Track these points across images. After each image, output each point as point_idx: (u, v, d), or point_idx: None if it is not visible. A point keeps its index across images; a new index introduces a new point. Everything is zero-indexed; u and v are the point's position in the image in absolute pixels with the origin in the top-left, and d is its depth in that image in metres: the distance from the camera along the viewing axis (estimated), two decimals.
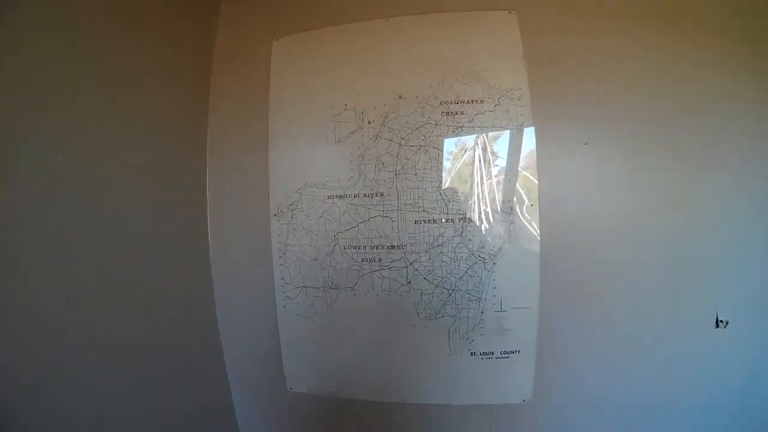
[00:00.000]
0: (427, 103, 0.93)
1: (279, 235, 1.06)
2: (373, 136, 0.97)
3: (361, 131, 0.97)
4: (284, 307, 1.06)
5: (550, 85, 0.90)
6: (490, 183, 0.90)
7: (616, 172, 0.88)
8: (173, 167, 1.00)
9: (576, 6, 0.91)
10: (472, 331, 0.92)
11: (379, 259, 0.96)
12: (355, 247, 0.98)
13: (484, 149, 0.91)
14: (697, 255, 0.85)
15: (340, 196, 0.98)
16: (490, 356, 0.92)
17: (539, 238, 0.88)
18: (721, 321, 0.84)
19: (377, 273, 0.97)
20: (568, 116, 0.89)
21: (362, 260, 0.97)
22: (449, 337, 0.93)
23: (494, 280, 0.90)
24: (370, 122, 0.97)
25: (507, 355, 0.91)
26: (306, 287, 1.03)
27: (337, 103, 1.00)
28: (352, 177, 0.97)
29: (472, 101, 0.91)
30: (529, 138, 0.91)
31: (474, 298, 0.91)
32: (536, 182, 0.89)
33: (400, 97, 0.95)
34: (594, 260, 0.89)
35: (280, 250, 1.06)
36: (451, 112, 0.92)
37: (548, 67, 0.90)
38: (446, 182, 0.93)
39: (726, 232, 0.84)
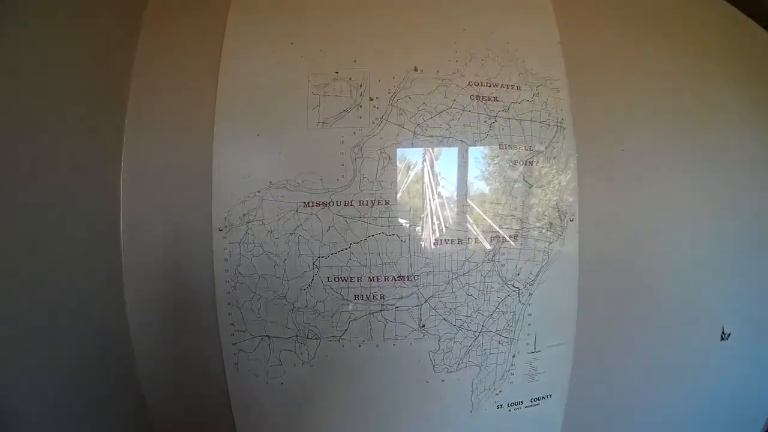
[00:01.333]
0: (452, 82, 0.48)
1: (226, 260, 0.56)
2: (377, 118, 0.47)
3: (359, 110, 0.47)
4: (236, 365, 0.58)
5: (588, 81, 0.52)
6: (529, 191, 0.47)
7: (659, 182, 0.53)
8: (69, 151, 0.48)
9: None
10: (500, 380, 0.50)
11: (381, 296, 0.47)
12: (344, 279, 0.47)
13: (519, 148, 0.48)
14: (725, 266, 0.56)
15: (324, 204, 0.49)
16: (518, 406, 0.52)
17: (578, 258, 0.48)
18: (727, 334, 0.57)
19: (378, 315, 0.48)
20: (607, 119, 0.52)
21: (355, 298, 0.48)
22: (473, 391, 0.51)
23: (529, 315, 0.50)
24: (372, 99, 0.46)
25: (537, 402, 0.52)
26: (269, 337, 0.49)
27: (324, 69, 0.57)
28: (343, 176, 0.47)
29: (508, 86, 0.49)
30: (570, 140, 0.50)
31: (505, 339, 0.49)
32: (576, 191, 0.49)
33: (415, 70, 0.51)
34: (633, 283, 0.53)
35: (228, 282, 0.55)
36: (483, 97, 0.49)
37: (585, 61, 0.51)
38: (474, 187, 0.47)
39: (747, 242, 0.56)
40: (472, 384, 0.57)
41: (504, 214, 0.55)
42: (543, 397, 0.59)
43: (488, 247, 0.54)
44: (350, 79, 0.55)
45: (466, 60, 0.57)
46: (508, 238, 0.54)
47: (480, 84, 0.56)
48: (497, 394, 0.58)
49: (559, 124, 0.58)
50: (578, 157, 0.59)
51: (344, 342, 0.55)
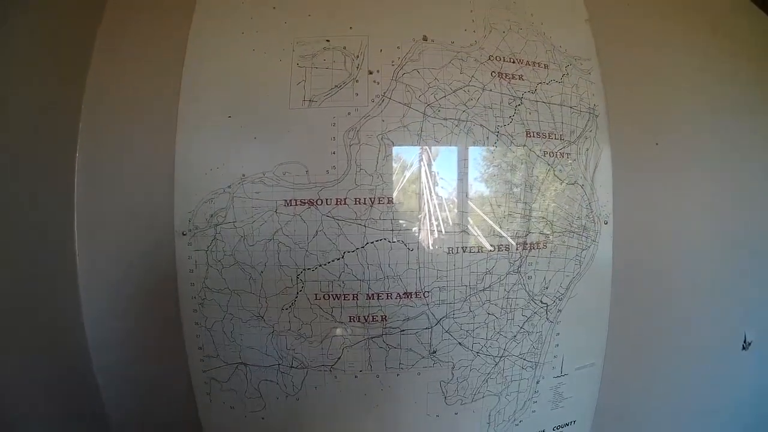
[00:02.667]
0: (470, 55, 0.23)
1: (191, 271, 0.35)
2: (378, 95, 0.22)
3: (356, 86, 0.22)
4: (208, 395, 0.35)
5: (619, 65, 0.28)
6: (561, 189, 0.23)
7: (690, 182, 0.30)
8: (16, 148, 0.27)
9: None
10: (521, 409, 0.27)
11: (383, 317, 0.23)
12: (336, 297, 0.23)
13: (549, 136, 0.24)
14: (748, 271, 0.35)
15: (310, 202, 0.25)
16: None
17: (612, 267, 0.25)
18: (748, 343, 0.36)
19: (378, 340, 0.23)
20: (641, 108, 0.29)
21: (350, 319, 0.24)
22: (489, 423, 0.27)
23: (557, 335, 0.28)
24: (371, 72, 0.22)
25: (560, 430, 0.28)
26: (246, 365, 0.23)
27: (311, 37, 0.35)
28: (334, 167, 0.23)
29: (534, 63, 0.24)
30: (603, 130, 0.27)
31: (529, 363, 0.26)
32: (611, 191, 0.26)
33: (425, 39, 0.27)
34: (663, 294, 0.31)
35: (194, 298, 0.29)
36: (506, 74, 0.25)
37: (616, 44, 0.28)
38: (494, 183, 0.23)
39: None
40: (490, 416, 0.36)
41: (531, 216, 0.33)
42: (567, 424, 0.38)
43: (513, 255, 0.32)
44: (344, 48, 0.33)
45: (485, 31, 0.34)
46: (536, 244, 0.32)
47: (503, 59, 0.34)
48: (517, 425, 0.37)
49: (591, 111, 0.36)
50: (612, 149, 0.37)
51: (337, 372, 0.33)
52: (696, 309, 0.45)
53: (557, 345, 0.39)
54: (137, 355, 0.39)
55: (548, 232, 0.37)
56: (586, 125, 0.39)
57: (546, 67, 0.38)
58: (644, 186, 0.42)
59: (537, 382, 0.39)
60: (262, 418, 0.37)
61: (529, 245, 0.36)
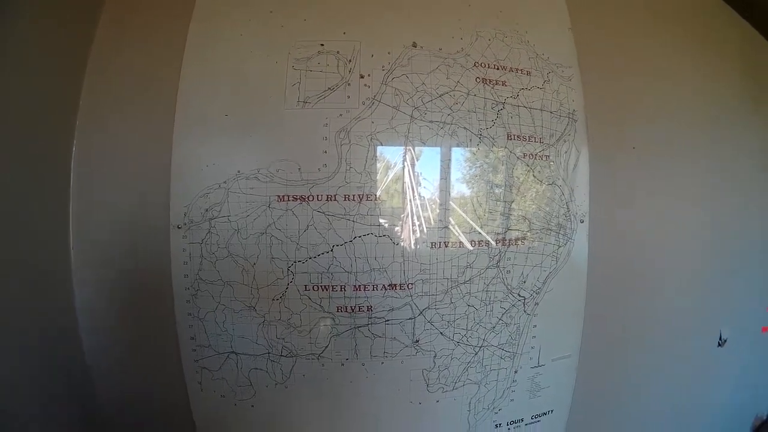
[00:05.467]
0: (456, 62, 0.27)
1: (186, 263, 0.38)
2: (368, 98, 0.26)
3: (347, 89, 0.26)
4: (200, 384, 0.39)
5: (600, 72, 0.33)
6: (540, 189, 0.28)
7: (667, 184, 0.35)
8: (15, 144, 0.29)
9: None
10: (500, 398, 0.31)
11: (369, 307, 0.27)
12: (325, 288, 0.26)
13: (529, 139, 0.28)
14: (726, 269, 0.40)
15: (302, 198, 0.29)
16: (518, 424, 0.35)
17: (587, 264, 0.30)
18: (723, 340, 0.50)
19: (364, 329, 0.27)
20: (619, 114, 0.34)
21: (338, 309, 0.28)
22: (470, 411, 0.31)
23: (534, 326, 0.32)
24: (363, 76, 0.26)
25: (538, 419, 0.33)
26: (237, 354, 0.27)
27: (307, 41, 0.39)
28: (325, 165, 0.28)
29: (517, 70, 0.29)
30: (581, 134, 0.31)
31: (508, 354, 0.31)
32: (587, 192, 0.30)
33: (414, 46, 0.33)
34: (638, 289, 0.36)
35: (187, 289, 0.37)
36: (490, 80, 0.30)
37: (597, 52, 0.33)
38: (475, 183, 0.27)
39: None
40: (470, 403, 0.39)
41: (510, 214, 0.37)
42: (544, 414, 0.42)
43: (493, 251, 0.36)
44: (338, 52, 0.36)
45: (472, 38, 0.38)
46: (515, 241, 0.36)
47: (487, 66, 0.38)
48: (496, 413, 0.40)
49: (570, 116, 0.40)
50: (590, 152, 0.41)
51: (324, 360, 0.37)
52: (670, 306, 0.49)
53: (534, 336, 0.43)
54: (129, 345, 0.41)
55: (526, 230, 0.41)
56: (565, 129, 0.43)
57: (528, 73, 0.42)
58: (620, 187, 0.46)
59: (515, 372, 0.43)
60: (252, 406, 0.40)
61: (508, 242, 0.40)
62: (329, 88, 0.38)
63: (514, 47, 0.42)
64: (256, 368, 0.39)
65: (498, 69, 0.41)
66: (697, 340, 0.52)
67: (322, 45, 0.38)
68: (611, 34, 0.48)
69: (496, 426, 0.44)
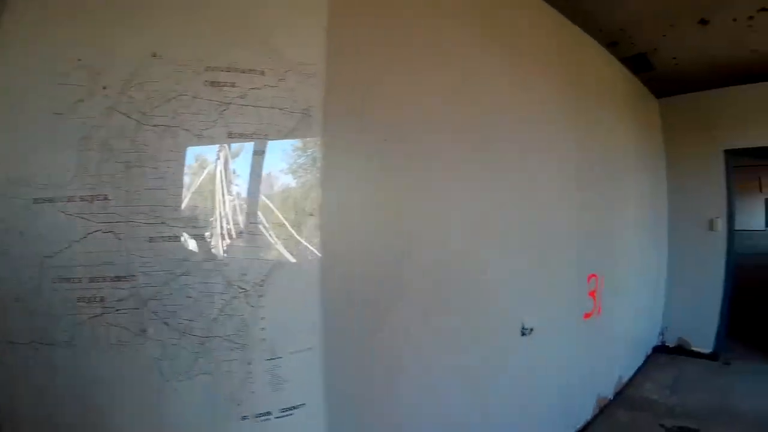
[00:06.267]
0: (188, 67, 0.32)
1: None
2: (107, 108, 0.32)
3: (92, 100, 0.32)
4: None
5: (352, 72, 0.35)
6: (256, 183, 0.30)
7: (413, 180, 0.35)
8: None
9: None
10: (238, 389, 0.32)
11: (101, 298, 0.32)
12: (67, 280, 0.30)
13: (251, 135, 0.31)
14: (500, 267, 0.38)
15: (50, 200, 0.33)
16: (267, 417, 0.35)
17: (320, 258, 0.31)
18: (526, 329, 0.38)
19: (99, 319, 0.31)
20: (367, 111, 0.35)
21: (78, 299, 0.32)
22: (209, 401, 0.32)
23: (262, 318, 0.33)
24: (105, 87, 0.31)
25: (290, 412, 0.34)
26: (13, 343, 0.32)
27: (66, 58, 0.45)
28: (69, 170, 0.33)
29: (249, 71, 0.33)
30: (316, 129, 0.33)
31: (237, 345, 0.31)
32: (319, 186, 0.32)
33: (154, 56, 0.39)
34: (389, 281, 0.35)
35: None
36: (219, 83, 0.34)
37: (354, 51, 0.35)
38: (196, 181, 0.30)
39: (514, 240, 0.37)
40: (209, 394, 0.41)
41: (233, 207, 0.39)
42: (295, 407, 0.42)
43: (209, 244, 0.39)
44: (91, 67, 0.42)
45: (209, 43, 0.42)
46: (233, 235, 0.39)
47: (219, 69, 0.42)
48: (238, 405, 0.42)
49: (305, 112, 0.42)
50: (325, 148, 0.42)
51: (75, 348, 0.42)
52: (421, 297, 0.47)
53: (263, 328, 0.44)
54: None
55: (245, 222, 0.43)
56: (296, 125, 0.45)
57: (262, 73, 0.45)
58: (351, 180, 0.46)
59: (249, 364, 0.44)
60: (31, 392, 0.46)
61: (223, 234, 0.43)
62: (77, 101, 0.44)
63: (252, 49, 0.45)
64: (27, 356, 0.45)
65: (230, 71, 0.45)
66: (489, 330, 0.48)
67: (80, 60, 0.44)
68: (366, 32, 0.49)
69: (243, 418, 0.45)
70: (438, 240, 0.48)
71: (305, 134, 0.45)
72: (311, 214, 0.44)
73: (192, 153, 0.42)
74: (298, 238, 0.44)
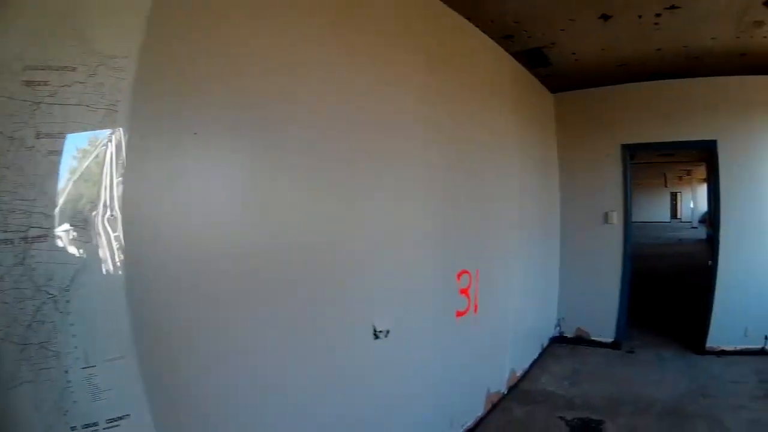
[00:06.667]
0: (9, 69, 0.31)
1: None
2: None
3: None
4: None
5: (173, 59, 0.32)
6: (54, 183, 0.28)
7: (238, 174, 0.31)
8: None
9: None
10: (61, 399, 0.31)
11: None
12: None
13: (57, 135, 0.29)
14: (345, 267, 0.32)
15: None
16: (95, 428, 0.34)
17: (124, 261, 0.28)
18: (380, 332, 0.32)
19: None
20: (177, 99, 0.31)
21: None
22: (38, 410, 0.31)
23: (71, 325, 0.33)
24: None
25: (116, 423, 0.32)
26: None
27: None
28: None
29: (62, 68, 0.31)
30: (122, 123, 0.30)
31: (52, 353, 0.31)
32: (119, 181, 0.29)
33: None
34: (214, 281, 0.31)
35: None
36: (34, 82, 0.31)
37: (185, 37, 0.32)
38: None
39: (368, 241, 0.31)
40: (35, 403, 0.40)
41: (30, 210, 0.38)
42: (120, 418, 0.40)
43: (18, 248, 0.38)
44: None
45: (30, 42, 0.41)
46: (38, 239, 0.37)
47: (36, 68, 0.40)
48: (64, 415, 0.40)
49: (111, 107, 0.39)
50: (127, 145, 0.39)
51: None
52: (253, 302, 0.42)
53: (74, 335, 0.42)
54: None
55: (48, 226, 0.41)
56: (100, 121, 0.42)
57: (74, 69, 0.43)
58: (150, 180, 0.42)
59: (66, 372, 0.42)
60: None
61: (31, 239, 0.41)
62: None
63: (66, 43, 0.43)
64: None
65: (45, 69, 0.43)
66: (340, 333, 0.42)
67: None
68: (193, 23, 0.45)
69: (72, 429, 0.43)
70: (265, 238, 0.42)
71: (109, 130, 0.42)
72: (113, 214, 0.41)
73: (4, 157, 0.41)
74: (101, 239, 0.41)
